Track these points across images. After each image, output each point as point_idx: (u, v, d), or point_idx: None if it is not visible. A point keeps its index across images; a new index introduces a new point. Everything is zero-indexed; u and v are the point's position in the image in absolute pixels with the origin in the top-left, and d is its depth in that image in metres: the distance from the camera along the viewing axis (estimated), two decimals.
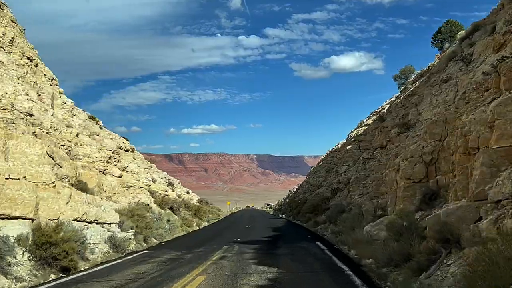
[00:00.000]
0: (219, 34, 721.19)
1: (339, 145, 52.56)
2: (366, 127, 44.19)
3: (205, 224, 39.20)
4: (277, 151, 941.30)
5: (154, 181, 38.98)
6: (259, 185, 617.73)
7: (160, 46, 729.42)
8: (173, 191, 51.22)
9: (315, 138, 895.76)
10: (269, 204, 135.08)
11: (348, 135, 49.31)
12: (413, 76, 34.86)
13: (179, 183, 60.63)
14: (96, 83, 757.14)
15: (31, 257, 10.87)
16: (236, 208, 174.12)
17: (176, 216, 32.62)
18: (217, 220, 46.56)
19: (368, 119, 45.84)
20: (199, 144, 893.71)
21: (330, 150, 57.55)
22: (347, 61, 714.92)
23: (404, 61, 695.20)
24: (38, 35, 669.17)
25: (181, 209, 34.54)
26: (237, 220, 44.97)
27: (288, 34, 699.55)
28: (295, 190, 76.84)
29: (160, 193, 35.93)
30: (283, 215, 52.38)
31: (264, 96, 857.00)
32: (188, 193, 59.46)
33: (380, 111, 43.49)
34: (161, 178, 46.79)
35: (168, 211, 32.78)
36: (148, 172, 40.20)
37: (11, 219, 11.45)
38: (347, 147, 44.66)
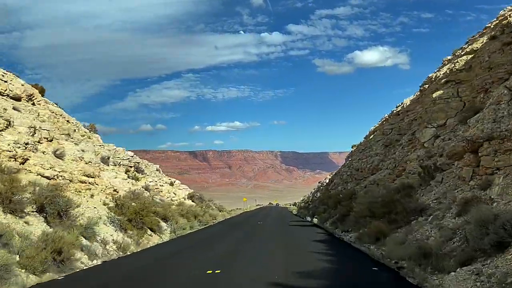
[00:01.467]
0: (241, 32, 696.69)
1: (407, 102, 31.45)
2: (470, 57, 22.97)
3: (159, 240, 18.97)
4: (301, 148, 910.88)
5: (60, 156, 19.01)
6: (283, 181, 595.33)
7: (184, 45, 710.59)
8: (137, 180, 31.36)
9: (340, 134, 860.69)
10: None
11: (425, 83, 28.17)
12: None
13: (157, 171, 40.60)
14: (122, 82, 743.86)
15: None
16: (257, 205, 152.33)
17: (46, 230, 12.48)
18: (199, 228, 26.13)
19: (470, 44, 24.56)
20: (223, 142, 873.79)
21: (386, 115, 36.49)
22: (371, 56, 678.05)
23: (430, 56, 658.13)
24: (66, 36, 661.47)
25: (72, 211, 14.24)
26: (228, 231, 24.16)
27: (311, 30, 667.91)
28: (327, 181, 55.85)
29: (50, 177, 16.03)
30: (313, 219, 31.61)
31: (287, 93, 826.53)
32: (171, 184, 39.37)
33: (502, 20, 22.24)
34: (109, 158, 26.85)
35: (29, 217, 12.67)
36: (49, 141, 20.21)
37: None
38: (434, 96, 23.57)
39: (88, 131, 28.28)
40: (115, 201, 18.53)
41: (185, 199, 38.30)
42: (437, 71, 26.93)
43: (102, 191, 20.61)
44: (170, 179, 40.45)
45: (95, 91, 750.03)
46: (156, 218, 19.91)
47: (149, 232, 19.04)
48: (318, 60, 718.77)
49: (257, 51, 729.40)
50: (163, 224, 21.91)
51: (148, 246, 16.72)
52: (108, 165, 26.79)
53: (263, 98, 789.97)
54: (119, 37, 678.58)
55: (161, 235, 19.97)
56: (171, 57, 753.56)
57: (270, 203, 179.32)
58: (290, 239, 18.51)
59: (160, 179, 37.98)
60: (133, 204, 18.61)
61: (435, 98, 23.54)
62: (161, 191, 35.55)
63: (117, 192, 23.03)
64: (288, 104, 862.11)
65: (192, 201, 39.56)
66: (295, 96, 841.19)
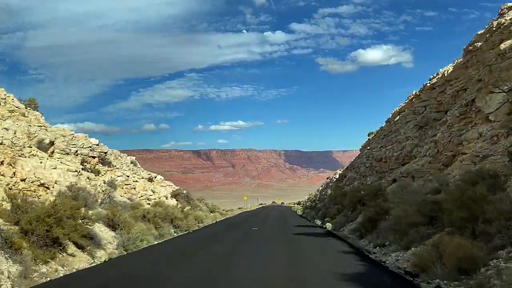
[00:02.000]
0: (244, 31, 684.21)
1: (448, 69, 24.11)
2: None
3: (87, 262, 11.69)
4: (304, 147, 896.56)
5: None
6: (287, 180, 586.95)
7: (187, 44, 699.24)
8: (97, 173, 24.38)
9: (344, 133, 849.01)
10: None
11: (476, 41, 20.83)
12: None
13: (132, 164, 33.47)
14: (125, 82, 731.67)
15: None
16: (260, 204, 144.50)
17: None
18: (170, 237, 18.92)
19: None
20: (227, 141, 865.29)
21: (414, 92, 29.10)
22: (374, 55, 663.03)
23: (434, 54, 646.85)
24: (69, 36, 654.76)
25: None
26: (210, 239, 16.91)
27: (314, 29, 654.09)
28: (337, 176, 48.54)
29: None
30: (325, 224, 24.28)
31: (290, 92, 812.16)
32: (150, 180, 32.14)
33: None
34: (53, 143, 19.63)
35: None
36: None
37: None
38: (502, 47, 16.24)
39: (24, 106, 21.04)
40: (11, 200, 11.27)
41: (166, 198, 31.11)
42: (497, 18, 19.51)
43: (10, 185, 13.46)
44: (149, 174, 33.22)
45: (98, 91, 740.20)
46: (88, 226, 12.62)
47: (71, 249, 11.81)
48: (321, 59, 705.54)
49: (260, 50, 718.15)
50: (107, 235, 14.67)
51: (47, 279, 9.45)
52: (48, 152, 19.60)
53: (266, 97, 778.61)
54: (122, 37, 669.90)
55: (95, 253, 12.71)
56: (174, 57, 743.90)
57: (273, 202, 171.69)
58: (296, 263, 11.19)
59: (135, 173, 30.80)
60: (39, 205, 11.33)
61: (503, 50, 16.17)
62: (134, 188, 28.41)
63: (48, 188, 15.91)
64: (291, 103, 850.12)
65: (176, 200, 32.39)
66: (298, 95, 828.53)
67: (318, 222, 27.03)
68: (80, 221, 12.45)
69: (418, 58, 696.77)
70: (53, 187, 16.59)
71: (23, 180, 14.57)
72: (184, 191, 34.09)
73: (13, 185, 13.73)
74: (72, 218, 11.93)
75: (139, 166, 34.04)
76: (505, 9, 20.14)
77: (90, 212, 14.05)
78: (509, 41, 16.21)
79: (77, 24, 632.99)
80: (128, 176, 28.46)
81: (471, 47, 21.10)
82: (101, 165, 26.65)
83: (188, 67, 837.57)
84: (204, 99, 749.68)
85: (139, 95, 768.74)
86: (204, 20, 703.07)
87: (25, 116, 20.00)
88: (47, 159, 18.67)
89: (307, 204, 66.79)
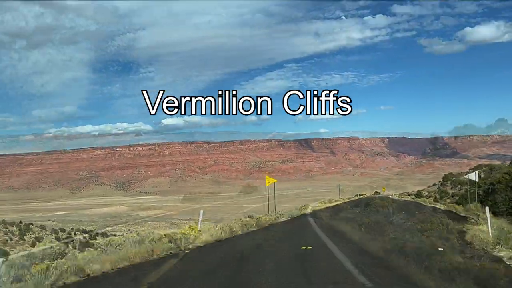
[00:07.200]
0: (343, 17, 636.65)
1: None
2: None
3: None
4: (411, 133, 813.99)
5: None
6: (393, 169, 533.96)
7: (285, 34, 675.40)
8: None
9: (452, 116, 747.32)
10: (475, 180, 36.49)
11: None
12: None
13: None
14: (228, 76, 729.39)
15: None
16: (357, 195, 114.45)
17: None
18: None
19: None
20: (328, 130, 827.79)
21: None
22: (485, 32, 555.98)
23: None
24: (174, 34, 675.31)
25: None
26: None
27: (417, 10, 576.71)
28: None
29: None
30: None
31: (393, 77, 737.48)
32: None
33: None
34: None
35: None
36: None
37: None
38: None
39: None
40: None
41: None
42: None
43: None
44: None
45: (203, 86, 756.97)
46: None
47: None
48: (425, 40, 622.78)
49: (360, 36, 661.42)
50: None
51: None
52: None
53: (367, 84, 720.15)
54: (224, 32, 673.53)
55: None
56: (273, 48, 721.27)
57: (376, 192, 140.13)
58: None
59: None
60: None
61: None
62: None
63: None
64: (395, 88, 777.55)
65: None
66: (401, 80, 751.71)
67: None
68: None
69: None
70: None
71: None
72: None
73: None
74: None
75: None
76: None
77: None
78: None
79: (180, 23, 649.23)
80: None
81: None
82: None
83: (287, 58, 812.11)
84: (303, 89, 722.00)
85: (242, 88, 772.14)
86: (302, 9, 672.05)
87: None
88: None
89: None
